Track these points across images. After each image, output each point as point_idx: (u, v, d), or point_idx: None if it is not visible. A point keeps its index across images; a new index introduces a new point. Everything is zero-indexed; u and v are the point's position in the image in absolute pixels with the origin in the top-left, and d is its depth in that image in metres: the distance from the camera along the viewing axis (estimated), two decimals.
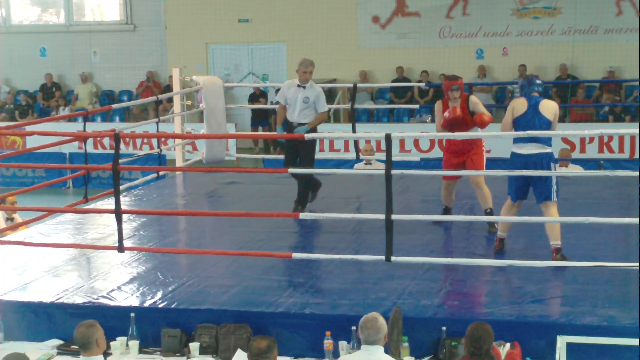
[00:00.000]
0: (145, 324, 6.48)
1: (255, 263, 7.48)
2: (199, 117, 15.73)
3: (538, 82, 7.57)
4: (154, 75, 20.83)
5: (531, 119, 7.37)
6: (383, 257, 6.68)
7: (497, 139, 10.20)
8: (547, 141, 7.35)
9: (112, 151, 7.04)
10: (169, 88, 18.32)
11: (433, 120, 18.86)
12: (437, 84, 19.08)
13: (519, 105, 7.48)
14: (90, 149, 18.16)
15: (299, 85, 9.05)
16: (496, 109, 19.09)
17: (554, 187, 7.40)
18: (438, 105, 8.67)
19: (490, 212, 8.31)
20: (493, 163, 9.21)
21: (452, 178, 8.62)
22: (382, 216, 6.60)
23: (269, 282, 7.08)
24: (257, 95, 19.73)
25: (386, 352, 5.23)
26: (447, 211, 8.83)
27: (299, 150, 9.06)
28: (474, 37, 19.30)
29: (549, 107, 7.43)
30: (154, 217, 9.29)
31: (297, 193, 9.16)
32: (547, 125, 7.38)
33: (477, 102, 8.49)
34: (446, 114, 8.37)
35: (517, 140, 7.40)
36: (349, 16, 19.74)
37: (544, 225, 7.46)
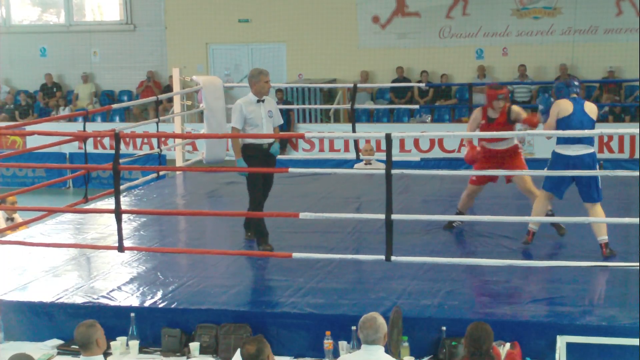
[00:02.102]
0: (145, 324, 6.49)
1: (255, 263, 7.49)
2: (199, 117, 15.73)
3: (576, 83, 7.74)
4: (154, 75, 20.83)
5: (580, 120, 7.49)
6: (383, 257, 6.68)
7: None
8: (591, 141, 7.51)
9: (112, 151, 7.04)
10: (169, 88, 18.32)
11: (433, 121, 18.92)
12: (437, 84, 19.13)
13: (564, 107, 7.57)
14: (90, 149, 18.15)
15: (258, 101, 8.09)
16: None
17: (600, 187, 7.53)
18: (477, 113, 8.32)
19: (552, 214, 8.19)
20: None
21: (482, 183, 8.36)
22: (382, 216, 6.60)
23: (269, 282, 7.09)
24: None
25: (386, 351, 5.23)
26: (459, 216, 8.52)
27: (268, 177, 8.15)
28: (474, 37, 19.30)
29: (592, 108, 7.62)
30: (154, 217, 9.29)
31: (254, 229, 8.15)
32: (594, 125, 7.54)
33: (519, 111, 8.21)
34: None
35: (562, 141, 7.50)
36: (349, 16, 19.74)
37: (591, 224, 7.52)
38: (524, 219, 7.92)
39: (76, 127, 17.64)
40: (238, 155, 7.87)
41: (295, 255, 7.27)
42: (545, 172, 7.57)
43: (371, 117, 19.31)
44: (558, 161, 7.49)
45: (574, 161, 7.40)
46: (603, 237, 7.47)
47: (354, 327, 5.89)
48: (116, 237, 7.19)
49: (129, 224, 8.97)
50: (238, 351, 6.11)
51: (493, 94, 8.17)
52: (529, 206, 8.11)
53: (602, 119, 17.93)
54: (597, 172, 7.61)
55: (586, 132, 7.39)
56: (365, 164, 11.29)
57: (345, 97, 19.17)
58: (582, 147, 7.45)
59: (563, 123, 7.51)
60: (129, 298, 6.84)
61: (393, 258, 6.67)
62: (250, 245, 8.09)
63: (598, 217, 7.45)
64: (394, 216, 6.61)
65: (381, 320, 5.18)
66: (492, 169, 8.04)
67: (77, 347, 5.42)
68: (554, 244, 7.86)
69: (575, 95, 7.62)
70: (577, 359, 5.94)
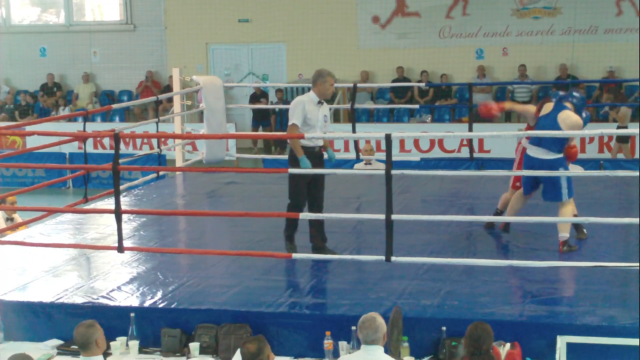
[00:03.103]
0: (145, 324, 6.48)
1: (255, 263, 7.48)
2: (199, 117, 15.73)
3: (576, 95, 7.75)
4: (154, 75, 20.83)
5: (547, 124, 7.58)
6: (383, 257, 6.68)
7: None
8: (551, 146, 7.51)
9: (112, 151, 7.04)
10: (169, 88, 18.32)
11: (433, 121, 18.93)
12: (437, 84, 19.13)
13: (546, 107, 7.73)
14: (90, 149, 18.18)
15: (319, 102, 7.70)
16: None
17: (564, 190, 7.62)
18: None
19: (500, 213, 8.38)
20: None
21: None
22: (382, 216, 6.60)
23: (269, 282, 7.08)
24: (258, 95, 19.73)
25: (386, 352, 5.23)
26: (498, 214, 8.42)
27: (319, 179, 7.73)
28: (474, 37, 19.30)
29: (566, 120, 7.52)
30: (154, 217, 9.29)
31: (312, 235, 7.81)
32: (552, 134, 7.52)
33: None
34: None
35: (530, 142, 7.71)
36: (349, 16, 19.74)
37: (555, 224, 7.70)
38: (524, 219, 7.91)
39: (76, 127, 17.66)
40: (300, 153, 7.42)
41: (295, 255, 7.28)
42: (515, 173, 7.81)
43: (371, 117, 19.32)
44: (525, 160, 7.78)
45: (533, 162, 7.62)
46: (563, 235, 7.62)
47: (354, 327, 5.88)
48: (116, 237, 7.19)
49: (129, 224, 8.97)
50: (238, 351, 6.11)
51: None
52: (530, 206, 8.12)
53: (602, 119, 17.94)
54: (599, 173, 7.75)
55: (586, 133, 7.41)
56: (365, 164, 11.29)
57: (345, 97, 19.17)
58: (541, 152, 7.59)
59: (537, 122, 7.79)
60: (129, 298, 6.84)
61: (393, 258, 6.66)
62: (250, 246, 8.08)
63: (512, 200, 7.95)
64: (394, 216, 6.61)
65: (380, 320, 5.18)
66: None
67: (76, 347, 5.41)
68: (554, 244, 7.85)
69: (567, 104, 7.63)
70: (577, 359, 5.94)
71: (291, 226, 7.73)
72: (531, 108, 8.27)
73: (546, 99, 7.95)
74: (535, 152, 7.61)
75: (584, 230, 8.04)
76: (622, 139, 15.91)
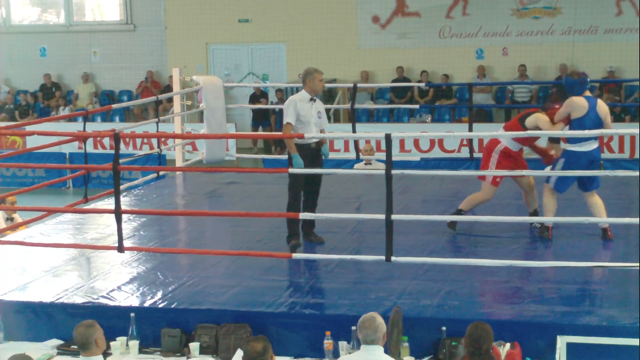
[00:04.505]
0: (145, 324, 6.48)
1: (255, 263, 7.48)
2: (199, 117, 15.73)
3: (589, 80, 7.92)
4: (153, 75, 20.83)
5: (592, 120, 7.71)
6: (383, 257, 6.68)
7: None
8: (596, 137, 7.82)
9: (112, 151, 7.04)
10: (169, 88, 18.32)
11: (433, 121, 18.93)
12: (437, 84, 19.13)
13: (579, 105, 7.75)
14: (90, 149, 18.16)
15: (311, 99, 7.96)
16: (496, 110, 19.12)
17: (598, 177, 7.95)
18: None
19: (534, 213, 8.43)
20: None
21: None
22: (382, 216, 6.60)
23: (269, 282, 7.08)
24: (258, 96, 19.73)
25: (386, 352, 5.23)
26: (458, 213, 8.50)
27: (314, 176, 8.03)
28: (474, 37, 19.30)
29: (604, 109, 7.82)
30: (154, 217, 9.29)
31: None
32: (602, 124, 7.80)
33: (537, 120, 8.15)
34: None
35: (577, 140, 7.73)
36: (349, 16, 19.74)
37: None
38: (525, 219, 7.92)
39: (76, 127, 17.65)
40: (293, 150, 7.71)
41: (295, 255, 7.29)
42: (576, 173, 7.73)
43: (371, 117, 19.31)
44: (574, 159, 7.72)
45: (588, 156, 7.74)
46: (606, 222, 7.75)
47: (354, 327, 5.88)
48: (116, 237, 7.19)
49: (129, 224, 8.97)
50: (238, 351, 6.12)
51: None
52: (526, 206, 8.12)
53: None
54: (598, 173, 7.80)
55: (587, 133, 7.43)
56: (365, 164, 11.29)
57: (345, 97, 19.17)
58: (593, 142, 7.77)
59: (577, 122, 7.74)
60: (129, 298, 6.84)
61: (393, 258, 6.67)
62: (250, 246, 8.09)
63: (598, 203, 7.89)
64: (394, 216, 6.61)
65: (380, 320, 5.18)
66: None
67: (76, 347, 5.41)
68: (554, 244, 7.86)
69: (588, 93, 7.72)
70: (577, 359, 5.94)
71: (294, 221, 7.91)
72: (559, 125, 8.12)
73: (575, 98, 7.81)
74: (590, 146, 7.76)
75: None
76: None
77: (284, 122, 7.91)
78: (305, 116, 7.86)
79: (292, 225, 7.94)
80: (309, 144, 7.87)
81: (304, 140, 7.79)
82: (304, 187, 7.96)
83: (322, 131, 8.07)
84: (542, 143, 8.76)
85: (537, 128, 8.01)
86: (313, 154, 7.92)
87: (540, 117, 8.04)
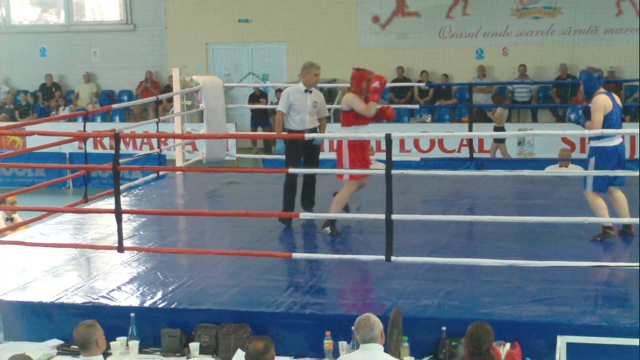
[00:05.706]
0: (145, 324, 6.48)
1: (255, 263, 7.48)
2: (199, 117, 15.73)
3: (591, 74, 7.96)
4: (153, 75, 20.83)
5: (617, 114, 7.83)
6: (383, 257, 6.68)
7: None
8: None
9: (112, 151, 7.04)
10: (169, 88, 18.32)
11: (433, 120, 18.93)
12: (437, 84, 19.13)
13: (608, 103, 7.80)
14: (90, 149, 18.16)
15: (306, 90, 8.73)
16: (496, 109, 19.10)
17: None
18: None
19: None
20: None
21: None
22: (382, 216, 6.61)
23: (269, 282, 7.08)
24: (258, 96, 19.73)
25: (386, 351, 5.23)
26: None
27: (312, 154, 8.87)
28: (474, 37, 19.30)
29: (619, 100, 7.94)
30: (154, 217, 9.29)
31: (303, 195, 8.99)
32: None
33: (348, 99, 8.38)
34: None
35: (608, 135, 7.74)
36: (349, 16, 19.74)
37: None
38: (524, 219, 7.90)
39: (76, 127, 17.66)
40: (280, 132, 8.65)
41: (295, 255, 7.29)
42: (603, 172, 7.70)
43: None
44: (610, 154, 7.75)
45: (620, 149, 7.82)
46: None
47: (353, 327, 5.88)
48: (116, 237, 7.19)
49: (129, 224, 8.97)
50: (238, 351, 6.12)
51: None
52: (529, 206, 8.12)
53: None
54: (598, 173, 7.71)
55: (587, 133, 7.43)
56: None
57: None
58: (618, 137, 7.88)
59: (607, 119, 7.77)
60: (129, 298, 6.84)
61: (393, 258, 6.67)
62: (250, 246, 8.09)
63: (622, 199, 7.86)
64: (394, 216, 6.61)
65: (375, 318, 5.20)
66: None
67: (76, 347, 5.41)
68: (554, 244, 7.85)
69: (602, 89, 7.77)
70: (577, 359, 5.94)
71: (290, 196, 8.68)
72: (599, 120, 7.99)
73: (601, 96, 7.81)
74: (619, 139, 7.83)
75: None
76: (499, 139, 15.73)
77: (277, 110, 8.78)
78: (299, 105, 8.61)
79: (290, 203, 8.64)
80: (302, 131, 8.54)
81: (297, 127, 8.62)
82: (303, 167, 8.70)
83: (322, 119, 8.88)
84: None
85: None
86: (307, 140, 8.51)
87: (349, 97, 8.19)
